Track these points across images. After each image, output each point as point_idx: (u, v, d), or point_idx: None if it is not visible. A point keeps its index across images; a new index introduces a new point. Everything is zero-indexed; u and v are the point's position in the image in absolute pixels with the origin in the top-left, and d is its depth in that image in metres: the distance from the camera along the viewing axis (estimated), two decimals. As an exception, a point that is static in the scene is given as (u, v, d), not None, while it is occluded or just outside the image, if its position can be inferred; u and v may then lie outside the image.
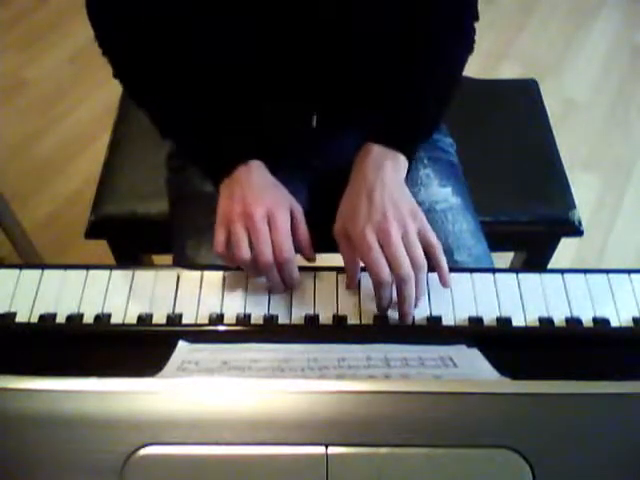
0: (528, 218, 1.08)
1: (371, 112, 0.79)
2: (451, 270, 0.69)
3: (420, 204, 0.87)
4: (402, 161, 0.73)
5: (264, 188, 0.71)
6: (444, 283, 0.67)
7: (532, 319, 0.65)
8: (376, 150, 0.73)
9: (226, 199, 0.70)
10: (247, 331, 0.64)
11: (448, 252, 0.81)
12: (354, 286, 0.68)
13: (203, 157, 0.77)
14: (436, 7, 0.79)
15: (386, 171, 0.71)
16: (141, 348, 0.60)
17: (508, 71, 2.08)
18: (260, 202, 0.68)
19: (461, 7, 0.81)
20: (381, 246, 0.65)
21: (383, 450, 0.38)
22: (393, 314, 0.66)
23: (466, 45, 0.82)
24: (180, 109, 0.78)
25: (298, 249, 0.69)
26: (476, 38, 0.81)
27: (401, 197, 0.69)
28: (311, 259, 0.71)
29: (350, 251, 0.68)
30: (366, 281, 0.67)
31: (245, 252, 0.66)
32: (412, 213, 0.68)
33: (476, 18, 0.81)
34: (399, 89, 0.79)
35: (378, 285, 0.64)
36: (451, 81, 0.82)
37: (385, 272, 0.64)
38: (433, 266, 0.67)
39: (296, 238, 0.69)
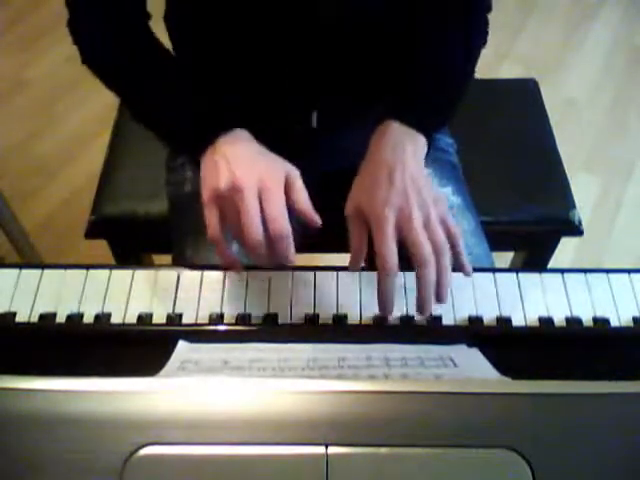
0: (528, 218, 1.08)
1: (385, 95, 0.76)
2: (451, 270, 0.70)
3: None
4: (422, 142, 0.70)
5: (252, 157, 0.65)
6: (466, 272, 0.64)
7: (532, 319, 0.65)
8: (395, 128, 0.69)
9: (210, 170, 0.64)
10: (247, 331, 0.64)
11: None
12: (357, 269, 0.65)
13: (182, 126, 0.71)
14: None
15: (406, 151, 0.66)
16: (141, 348, 0.59)
17: (508, 71, 2.09)
18: (250, 173, 0.61)
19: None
20: (400, 230, 0.62)
21: (383, 450, 0.38)
22: (393, 313, 0.66)
23: (481, 35, 0.80)
24: (164, 76, 0.74)
25: (299, 217, 0.63)
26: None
27: (423, 183, 0.65)
28: (316, 223, 0.63)
29: (361, 232, 0.64)
30: (366, 281, 0.67)
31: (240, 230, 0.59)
32: (435, 199, 0.64)
33: (489, 9, 0.80)
34: (417, 70, 0.76)
35: (383, 274, 0.61)
36: (466, 70, 0.80)
37: (393, 261, 0.60)
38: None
39: (295, 205, 0.63)
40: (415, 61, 0.77)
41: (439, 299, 0.62)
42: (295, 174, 0.64)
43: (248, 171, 0.61)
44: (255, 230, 0.59)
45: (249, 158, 0.64)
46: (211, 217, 0.62)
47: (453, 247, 0.64)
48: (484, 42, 0.81)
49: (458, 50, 0.79)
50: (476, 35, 0.80)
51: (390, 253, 0.61)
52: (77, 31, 0.76)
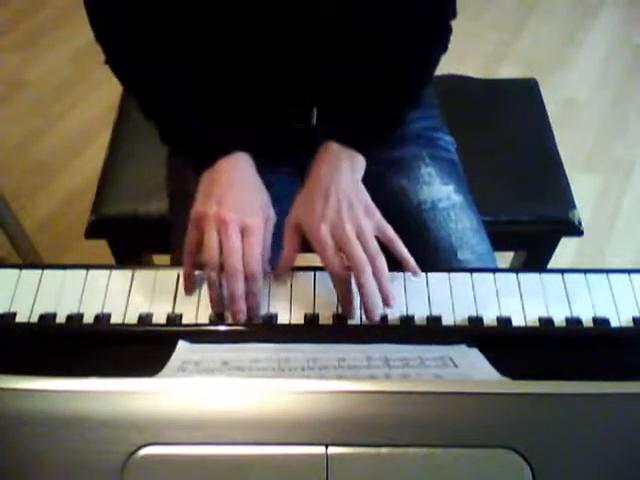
0: (528, 218, 1.08)
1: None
2: (451, 270, 0.70)
3: (423, 202, 0.86)
4: (359, 160, 0.74)
5: (243, 189, 0.71)
6: (413, 271, 0.68)
7: (532, 319, 0.65)
8: (333, 148, 0.74)
9: (203, 196, 0.70)
10: (247, 331, 0.64)
11: (451, 251, 0.81)
12: (285, 275, 0.68)
13: (189, 144, 0.77)
14: (413, 4, 0.78)
15: (341, 172, 0.71)
16: (141, 348, 0.60)
17: (508, 71, 2.08)
18: (236, 208, 0.68)
19: (440, 5, 0.80)
20: (337, 244, 0.67)
21: (383, 450, 0.38)
22: (393, 313, 0.66)
23: (441, 44, 0.81)
24: (174, 91, 0.78)
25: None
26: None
27: (355, 197, 0.70)
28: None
29: (294, 242, 0.69)
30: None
31: (214, 255, 0.65)
32: (367, 212, 0.69)
33: (453, 16, 0.81)
34: (364, 87, 0.78)
35: (336, 279, 0.66)
36: (421, 80, 0.81)
37: (338, 265, 0.65)
38: (399, 263, 0.68)
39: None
40: (365, 78, 0.78)
41: (386, 303, 0.65)
42: (272, 219, 0.72)
43: (236, 205, 0.68)
44: (234, 265, 0.65)
45: (241, 188, 0.71)
46: (191, 235, 0.69)
47: (395, 251, 0.68)
48: (445, 49, 0.81)
49: (415, 64, 0.80)
50: (436, 47, 0.81)
51: (331, 259, 0.66)
52: (98, 27, 0.77)
